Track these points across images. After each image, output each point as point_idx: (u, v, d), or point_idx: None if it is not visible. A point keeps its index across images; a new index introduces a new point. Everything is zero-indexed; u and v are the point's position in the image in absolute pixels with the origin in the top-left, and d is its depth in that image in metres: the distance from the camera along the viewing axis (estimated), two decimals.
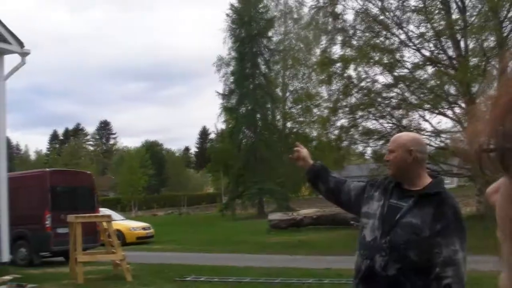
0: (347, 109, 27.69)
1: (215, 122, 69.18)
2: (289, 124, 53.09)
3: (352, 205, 4.19)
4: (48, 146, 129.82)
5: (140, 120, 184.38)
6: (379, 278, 3.71)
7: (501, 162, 0.88)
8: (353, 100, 27.76)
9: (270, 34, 51.43)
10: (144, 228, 30.08)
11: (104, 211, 26.91)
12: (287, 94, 53.11)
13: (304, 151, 4.48)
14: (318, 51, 32.52)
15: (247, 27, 49.82)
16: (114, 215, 30.11)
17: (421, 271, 3.53)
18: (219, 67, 52.62)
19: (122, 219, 31.47)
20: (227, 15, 51.19)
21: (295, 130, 52.01)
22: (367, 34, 27.25)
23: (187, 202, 69.09)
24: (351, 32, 27.53)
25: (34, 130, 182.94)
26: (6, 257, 17.27)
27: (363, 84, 27.42)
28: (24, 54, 17.48)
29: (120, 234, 26.85)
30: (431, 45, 26.52)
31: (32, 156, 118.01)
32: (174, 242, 28.47)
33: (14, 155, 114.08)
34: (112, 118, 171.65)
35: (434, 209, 3.60)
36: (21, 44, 17.37)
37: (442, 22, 25.84)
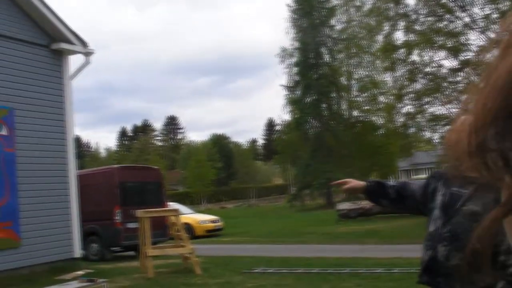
0: (412, 95, 27.31)
1: (280, 114, 69.07)
2: (355, 113, 52.63)
3: (421, 207, 4.11)
4: (117, 143, 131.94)
5: (207, 114, 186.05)
6: (442, 268, 3.64)
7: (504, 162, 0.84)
8: (418, 86, 27.36)
9: (332, 22, 51.07)
10: (213, 221, 30.30)
11: (172, 205, 27.22)
12: (352, 82, 52.62)
13: (347, 182, 4.41)
14: (380, 38, 32.09)
15: (309, 16, 49.61)
16: (183, 208, 30.43)
17: None
18: (282, 58, 52.52)
19: (191, 213, 31.76)
20: (289, 5, 51.10)
21: (361, 118, 51.58)
22: (430, 18, 26.77)
23: (256, 194, 69.41)
24: (413, 17, 27.10)
25: (104, 127, 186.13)
26: (78, 252, 17.64)
27: (428, 69, 26.97)
28: (88, 54, 17.78)
29: (189, 227, 27.15)
30: (496, 27, 25.85)
31: (103, 153, 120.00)
32: (243, 234, 28.60)
33: (85, 152, 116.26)
34: (179, 113, 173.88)
35: (496, 195, 3.51)
36: (84, 44, 17.67)
37: (507, 3, 25.18)
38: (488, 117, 0.85)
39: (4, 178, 15.38)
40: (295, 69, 51.27)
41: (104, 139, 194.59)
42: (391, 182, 4.35)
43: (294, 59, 51.64)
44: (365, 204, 32.13)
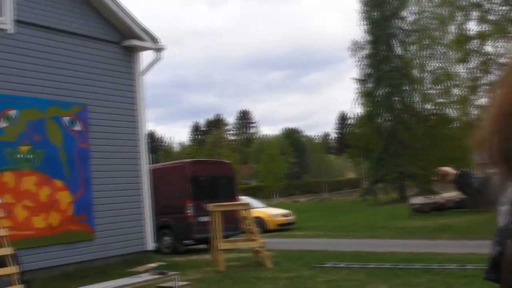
0: (487, 87, 26.67)
1: (352, 107, 68.50)
2: (428, 106, 51.70)
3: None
4: (191, 138, 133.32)
5: (280, 108, 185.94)
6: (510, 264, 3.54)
7: None
8: (493, 77, 26.69)
9: (404, 14, 50.29)
10: (284, 215, 30.29)
11: (244, 199, 27.33)
12: (425, 74, 51.69)
13: (445, 168, 4.59)
14: (453, 29, 31.42)
15: (380, 8, 49.04)
16: (255, 202, 30.50)
17: None
18: (354, 51, 52.02)
19: (263, 207, 31.79)
20: None
21: (434, 111, 50.68)
22: (503, 7, 26.08)
23: (328, 188, 69.16)
24: (486, 6, 26.44)
25: (178, 122, 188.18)
26: (151, 245, 17.91)
27: (502, 60, 26.25)
28: (159, 50, 18.01)
29: (261, 221, 27.22)
30: None
31: (176, 147, 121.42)
32: (314, 228, 28.51)
33: (159, 147, 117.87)
34: (252, 107, 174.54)
35: None
36: (155, 40, 17.90)
37: None
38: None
39: (79, 172, 15.73)
40: (366, 62, 50.75)
41: (177, 133, 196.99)
42: (477, 173, 4.39)
43: (365, 52, 51.12)
44: (439, 198, 31.66)
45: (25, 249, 14.03)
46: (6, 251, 12.24)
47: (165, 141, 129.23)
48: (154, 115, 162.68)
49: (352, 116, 56.62)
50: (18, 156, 14.38)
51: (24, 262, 13.60)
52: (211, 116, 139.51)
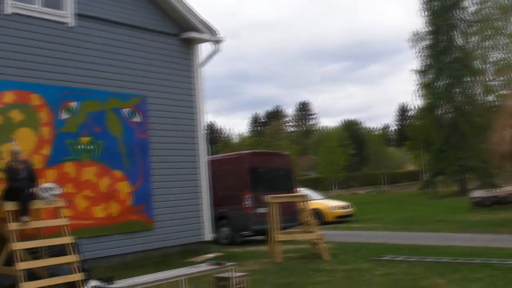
0: None
1: (413, 99, 67.66)
2: (490, 97, 50.70)
3: None
4: (250, 129, 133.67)
5: (339, 99, 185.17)
6: None
7: None
8: None
9: (465, 4, 49.40)
10: (343, 207, 30.16)
11: (302, 190, 27.30)
12: (487, 66, 50.69)
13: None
14: None
15: None
16: (313, 194, 30.46)
17: None
18: (414, 42, 51.36)
19: (321, 198, 31.71)
20: None
21: (497, 103, 49.70)
22: None
23: (388, 180, 68.56)
24: None
25: (237, 114, 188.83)
26: (209, 236, 18.04)
27: None
28: (217, 42, 18.07)
29: (319, 213, 27.17)
30: None
31: (235, 139, 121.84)
32: (373, 221, 28.30)
33: (218, 138, 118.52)
34: (311, 99, 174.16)
35: None
36: (213, 32, 17.97)
37: None
38: None
39: (138, 163, 15.94)
40: (426, 53, 50.05)
41: (237, 125, 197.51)
42: None
43: (426, 43, 50.42)
44: (500, 192, 31.08)
45: (85, 238, 14.30)
46: (67, 240, 12.49)
47: (224, 133, 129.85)
48: (214, 107, 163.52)
49: (412, 108, 55.89)
50: (79, 147, 14.64)
51: (84, 251, 13.86)
52: (270, 108, 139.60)
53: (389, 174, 76.66)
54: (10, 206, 11.88)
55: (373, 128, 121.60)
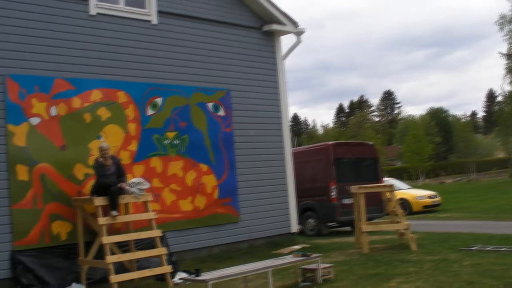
0: None
1: (501, 84, 66.03)
2: None
3: None
4: (335, 120, 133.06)
5: (424, 87, 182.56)
6: None
7: None
8: None
9: None
10: (430, 197, 29.73)
11: (389, 180, 27.05)
12: None
13: None
14: None
15: None
16: (399, 184, 30.16)
17: None
18: (501, 25, 50.04)
19: (408, 188, 31.39)
20: None
21: None
22: None
23: (476, 169, 67.07)
24: None
25: (322, 105, 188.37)
26: (295, 227, 18.08)
27: None
28: (299, 33, 18.05)
29: (406, 203, 26.90)
30: None
31: (319, 130, 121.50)
32: (461, 210, 27.81)
33: (302, 130, 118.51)
34: (395, 87, 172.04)
35: None
36: (295, 24, 17.95)
37: None
38: None
39: (223, 156, 16.10)
40: None
41: (321, 116, 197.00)
42: None
43: None
44: None
45: (172, 231, 14.57)
46: (155, 233, 12.75)
47: (309, 124, 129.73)
48: (298, 99, 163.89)
49: (502, 93, 54.44)
50: (165, 142, 14.90)
51: (171, 244, 14.13)
52: (355, 98, 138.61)
53: (477, 162, 74.95)
54: (99, 201, 12.22)
55: (460, 115, 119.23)
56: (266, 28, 17.56)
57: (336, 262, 13.45)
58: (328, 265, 12.15)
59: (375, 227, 16.92)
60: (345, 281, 11.49)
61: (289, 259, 11.72)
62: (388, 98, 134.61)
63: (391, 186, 16.85)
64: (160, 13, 15.23)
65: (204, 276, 10.05)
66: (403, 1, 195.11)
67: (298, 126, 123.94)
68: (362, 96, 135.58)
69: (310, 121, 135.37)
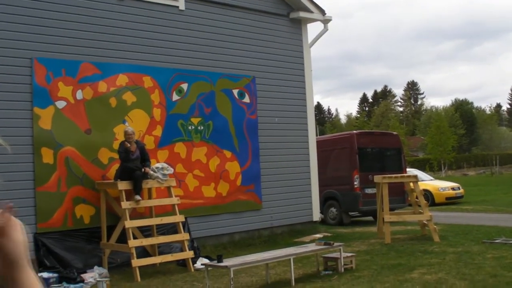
0: None
1: None
2: None
3: None
4: (358, 109, 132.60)
5: (449, 79, 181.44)
6: None
7: None
8: None
9: None
10: (453, 188, 29.51)
11: (411, 171, 26.91)
12: None
13: None
14: None
15: None
16: (423, 175, 29.97)
17: None
18: None
19: (431, 179, 31.18)
20: None
21: None
22: None
23: (499, 161, 66.49)
24: None
25: (345, 94, 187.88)
26: (317, 216, 18.06)
27: None
28: (326, 21, 17.97)
29: (428, 194, 26.72)
30: None
31: (343, 119, 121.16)
32: (484, 203, 27.60)
33: (326, 119, 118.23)
34: (421, 78, 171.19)
35: None
36: (322, 12, 17.87)
37: None
38: None
39: (247, 143, 16.10)
40: None
41: (345, 105, 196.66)
42: None
43: None
44: None
45: (195, 217, 14.62)
46: (178, 218, 12.80)
47: (332, 113, 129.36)
48: (323, 87, 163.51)
49: None
50: (190, 127, 14.92)
51: (194, 230, 14.18)
52: (379, 88, 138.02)
53: (501, 155, 74.31)
54: (123, 185, 12.29)
55: (485, 107, 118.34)
56: (293, 15, 17.49)
57: (357, 252, 13.43)
58: (350, 254, 12.14)
59: (398, 218, 16.85)
60: (366, 271, 11.47)
61: (311, 247, 11.72)
62: (412, 88, 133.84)
63: (415, 176, 16.76)
64: None
65: (226, 262, 10.08)
66: None
67: (321, 115, 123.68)
68: (386, 86, 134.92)
69: (333, 111, 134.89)
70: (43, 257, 11.94)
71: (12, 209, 1.71)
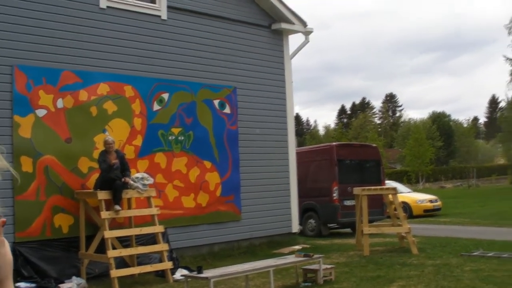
0: None
1: (505, 90, 66.00)
2: None
3: None
4: (336, 121, 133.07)
5: (427, 91, 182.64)
6: None
7: None
8: None
9: None
10: (431, 201, 29.67)
11: (390, 183, 27.01)
12: None
13: None
14: None
15: None
16: (401, 187, 30.09)
17: None
18: (510, 29, 49.76)
19: (409, 192, 31.34)
20: None
21: None
22: None
23: (476, 174, 66.95)
24: None
25: (324, 106, 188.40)
26: (296, 228, 18.07)
27: None
28: (307, 33, 18.04)
29: (406, 206, 26.84)
30: None
31: (321, 131, 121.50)
32: (462, 215, 27.77)
33: (304, 130, 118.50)
34: (399, 91, 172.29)
35: None
36: (304, 23, 17.93)
37: None
38: None
39: (227, 154, 16.09)
40: None
41: (323, 117, 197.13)
42: None
43: None
44: None
45: (174, 227, 14.57)
46: (157, 229, 12.75)
47: (310, 125, 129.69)
48: (302, 98, 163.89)
49: (505, 99, 54.49)
50: (170, 137, 14.89)
51: (173, 240, 14.13)
52: (358, 100, 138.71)
53: (478, 168, 74.82)
54: (103, 195, 12.23)
55: (462, 120, 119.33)
56: (275, 26, 17.54)
57: (336, 264, 13.45)
58: (329, 266, 12.16)
59: (377, 230, 16.91)
60: (346, 283, 11.49)
61: (291, 259, 11.71)
62: (390, 101, 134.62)
63: (394, 189, 16.83)
64: (170, 8, 15.22)
65: (206, 273, 10.05)
66: (411, 5, 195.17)
67: (300, 126, 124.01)
68: (364, 98, 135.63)
69: (312, 122, 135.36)
70: (21, 267, 11.82)
71: (4, 224, 1.68)
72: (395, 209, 16.29)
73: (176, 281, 12.30)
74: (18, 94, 12.27)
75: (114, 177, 12.41)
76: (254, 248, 16.30)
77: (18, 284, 11.03)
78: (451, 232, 19.82)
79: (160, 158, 14.66)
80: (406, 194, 29.32)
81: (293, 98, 18.24)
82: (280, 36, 17.89)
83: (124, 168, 12.79)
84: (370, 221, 17.07)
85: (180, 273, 12.56)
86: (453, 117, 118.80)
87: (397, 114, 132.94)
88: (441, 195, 36.04)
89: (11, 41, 12.29)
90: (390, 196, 16.53)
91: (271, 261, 11.54)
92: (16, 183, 11.95)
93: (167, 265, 12.53)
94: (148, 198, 13.03)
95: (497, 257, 13.90)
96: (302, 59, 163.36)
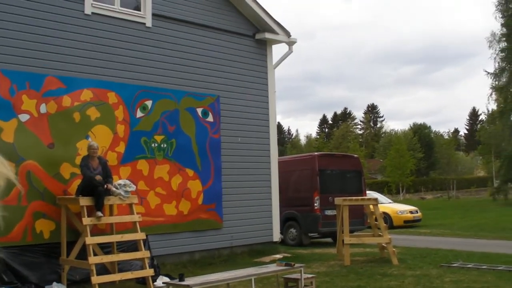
0: None
1: (486, 103, 66.64)
2: None
3: None
4: (318, 131, 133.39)
5: (409, 103, 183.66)
6: None
7: None
8: None
9: None
10: (411, 212, 29.84)
11: (371, 193, 27.14)
12: None
13: None
14: None
15: None
16: (382, 198, 30.23)
17: None
18: (491, 43, 50.23)
19: (390, 202, 31.50)
20: None
21: None
22: None
23: (456, 186, 67.39)
24: None
25: (306, 115, 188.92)
26: (277, 236, 18.11)
27: None
28: (291, 43, 18.13)
29: (387, 217, 26.98)
30: None
31: (303, 140, 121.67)
32: (442, 227, 27.96)
33: (286, 140, 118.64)
34: (381, 101, 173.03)
35: None
36: (288, 33, 18.02)
37: None
38: None
39: (210, 162, 16.11)
40: (501, 56, 48.94)
41: (305, 126, 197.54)
42: None
43: (501, 45, 49.32)
44: None
45: (155, 235, 14.55)
46: (139, 236, 12.73)
47: (292, 134, 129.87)
48: (284, 108, 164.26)
49: (485, 112, 55.05)
50: (153, 145, 14.88)
51: (154, 248, 14.10)
52: (339, 110, 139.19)
53: (458, 179, 75.29)
54: (84, 201, 12.19)
55: (443, 132, 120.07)
56: (259, 36, 17.61)
57: (317, 273, 13.47)
58: (310, 275, 12.18)
59: (358, 240, 16.98)
60: None
61: (273, 267, 11.72)
62: (372, 111, 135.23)
63: (375, 199, 16.92)
64: (155, 16, 15.24)
65: (188, 281, 10.04)
66: (394, 17, 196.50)
67: (282, 135, 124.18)
68: (346, 108, 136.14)
69: (293, 131, 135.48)
70: (1, 272, 11.75)
71: None
72: (376, 220, 16.38)
73: None
74: (1, 98, 12.21)
75: (96, 183, 12.38)
76: (235, 257, 16.30)
77: None
78: (431, 243, 19.95)
79: (142, 165, 14.65)
80: (387, 205, 29.46)
81: (275, 107, 18.32)
82: (264, 45, 17.96)
83: (107, 174, 12.76)
84: (351, 231, 17.14)
85: (161, 281, 12.55)
86: (434, 129, 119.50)
87: (378, 125, 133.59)
88: (421, 206, 36.26)
89: None
90: (371, 206, 16.61)
91: (252, 269, 11.54)
92: None
93: (148, 272, 12.50)
94: (130, 205, 13.00)
95: (477, 268, 14.01)
96: (285, 68, 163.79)
